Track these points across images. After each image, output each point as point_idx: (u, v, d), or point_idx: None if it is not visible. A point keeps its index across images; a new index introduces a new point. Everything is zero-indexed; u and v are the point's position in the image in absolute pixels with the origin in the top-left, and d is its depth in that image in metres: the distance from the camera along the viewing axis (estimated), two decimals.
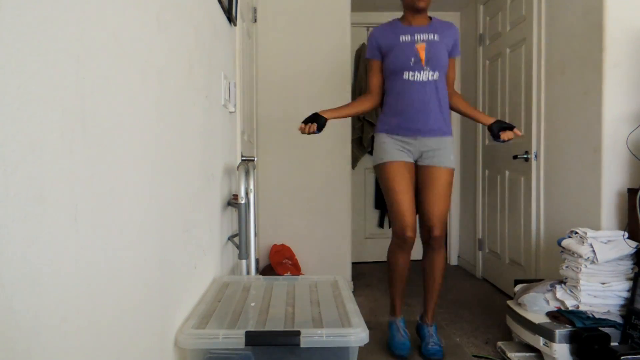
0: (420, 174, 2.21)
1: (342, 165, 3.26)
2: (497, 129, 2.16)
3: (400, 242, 2.19)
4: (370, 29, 4.17)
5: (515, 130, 2.16)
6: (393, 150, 2.18)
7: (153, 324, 0.96)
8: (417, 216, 2.20)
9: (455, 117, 4.22)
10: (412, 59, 2.12)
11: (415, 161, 2.22)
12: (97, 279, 0.71)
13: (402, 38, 2.15)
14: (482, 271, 3.73)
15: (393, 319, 2.33)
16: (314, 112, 2.15)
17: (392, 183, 2.16)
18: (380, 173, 2.22)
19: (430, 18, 2.24)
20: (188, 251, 1.23)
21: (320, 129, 2.11)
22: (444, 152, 2.18)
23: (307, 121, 2.10)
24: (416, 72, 2.12)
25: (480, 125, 3.70)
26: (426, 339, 2.26)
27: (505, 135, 2.15)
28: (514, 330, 2.19)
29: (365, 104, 2.29)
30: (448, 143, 2.20)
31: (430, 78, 2.13)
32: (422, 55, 2.11)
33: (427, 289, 2.30)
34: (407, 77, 2.13)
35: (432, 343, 2.23)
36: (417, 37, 2.15)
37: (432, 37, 2.15)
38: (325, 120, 2.12)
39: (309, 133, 2.10)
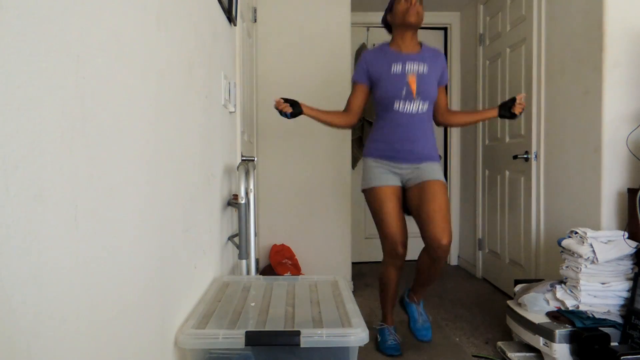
0: (413, 193, 2.21)
1: (342, 165, 3.26)
2: (507, 111, 2.23)
3: (392, 260, 2.23)
4: (371, 29, 4.18)
5: (518, 96, 2.22)
6: (380, 174, 2.21)
7: (153, 323, 0.96)
8: (420, 233, 2.16)
9: None
10: (404, 91, 2.14)
11: (404, 185, 2.24)
12: (97, 279, 0.71)
13: (394, 68, 2.16)
14: (482, 271, 3.73)
15: (385, 326, 2.35)
16: (301, 102, 2.16)
17: (380, 207, 2.20)
18: (369, 197, 2.26)
19: (420, 44, 2.26)
20: (188, 251, 1.23)
21: (292, 115, 2.11)
22: (433, 170, 2.19)
23: (286, 100, 2.11)
24: (407, 103, 2.15)
25: (480, 124, 3.71)
26: (415, 316, 2.34)
27: (517, 109, 2.21)
28: (514, 330, 2.19)
29: (341, 120, 2.29)
30: (435, 165, 2.23)
31: (420, 109, 2.17)
32: (414, 87, 2.14)
33: (422, 282, 2.32)
34: (397, 107, 2.16)
35: (422, 321, 2.32)
36: (408, 67, 2.16)
37: (422, 68, 2.17)
38: (301, 112, 2.13)
39: (280, 110, 2.10)
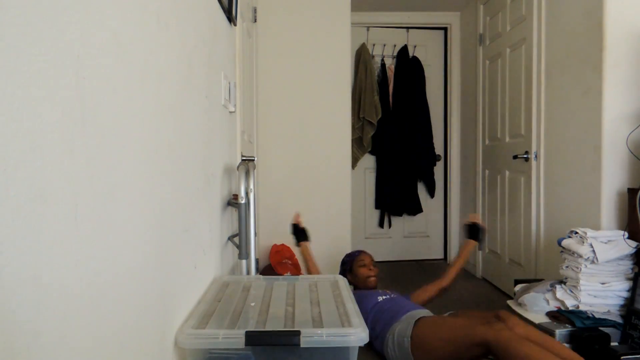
0: None
1: (342, 165, 3.26)
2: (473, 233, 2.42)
3: None
4: (371, 29, 4.18)
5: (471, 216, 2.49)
6: None
7: (153, 323, 0.96)
8: None
9: (455, 112, 4.22)
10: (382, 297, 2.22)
11: None
12: (97, 279, 0.71)
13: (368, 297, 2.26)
14: (482, 271, 3.73)
15: None
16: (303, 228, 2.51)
17: None
18: None
19: None
20: (188, 251, 1.23)
21: (296, 237, 2.54)
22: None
23: (298, 230, 2.54)
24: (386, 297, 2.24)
25: (480, 124, 3.71)
26: None
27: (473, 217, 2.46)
28: None
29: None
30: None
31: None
32: (388, 291, 2.31)
33: None
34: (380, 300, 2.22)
35: None
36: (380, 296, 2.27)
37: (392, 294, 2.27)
38: (300, 242, 2.52)
39: (294, 225, 2.55)
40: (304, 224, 2.57)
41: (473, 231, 2.44)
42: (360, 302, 2.15)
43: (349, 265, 2.49)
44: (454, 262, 2.42)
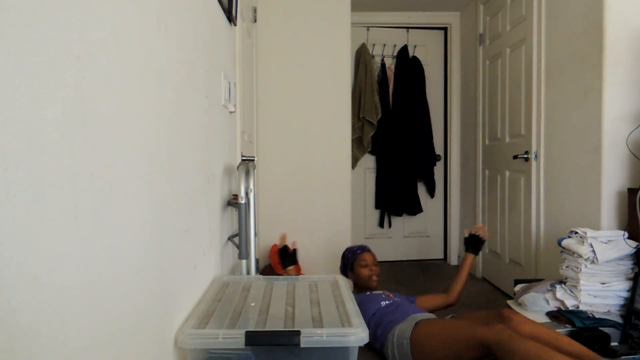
0: None
1: (342, 165, 3.26)
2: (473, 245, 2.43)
3: None
4: (371, 29, 4.18)
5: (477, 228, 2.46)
6: None
7: (153, 323, 0.96)
8: None
9: (455, 112, 4.22)
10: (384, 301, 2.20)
11: None
12: (97, 279, 0.71)
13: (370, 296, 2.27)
14: (482, 271, 3.73)
15: None
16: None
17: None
18: None
19: None
20: (188, 251, 1.23)
21: (282, 258, 2.36)
22: None
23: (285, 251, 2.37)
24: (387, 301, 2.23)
25: (480, 124, 3.71)
26: None
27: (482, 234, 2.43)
28: None
29: None
30: None
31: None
32: (391, 296, 2.25)
33: None
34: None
35: None
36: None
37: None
38: (286, 266, 2.35)
39: (283, 247, 2.37)
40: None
41: (474, 243, 2.43)
42: (361, 306, 2.15)
43: (350, 263, 2.46)
44: (457, 278, 2.40)
